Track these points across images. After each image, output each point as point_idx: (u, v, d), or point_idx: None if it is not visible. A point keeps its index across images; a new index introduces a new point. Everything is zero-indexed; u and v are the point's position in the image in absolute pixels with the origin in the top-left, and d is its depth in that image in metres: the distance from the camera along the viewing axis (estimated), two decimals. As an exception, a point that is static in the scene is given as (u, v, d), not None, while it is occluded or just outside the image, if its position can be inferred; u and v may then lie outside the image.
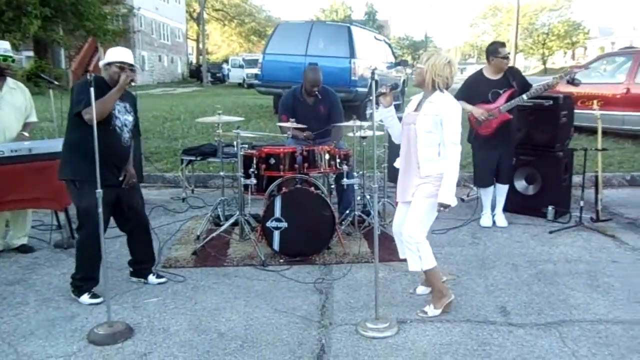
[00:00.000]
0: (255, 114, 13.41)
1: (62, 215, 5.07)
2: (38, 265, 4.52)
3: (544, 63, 59.96)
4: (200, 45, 43.50)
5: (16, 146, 4.38)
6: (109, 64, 3.70)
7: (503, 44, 5.41)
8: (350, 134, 5.27)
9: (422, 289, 3.90)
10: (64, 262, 4.53)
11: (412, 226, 3.48)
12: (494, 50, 5.29)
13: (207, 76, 36.67)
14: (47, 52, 23.01)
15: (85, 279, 3.76)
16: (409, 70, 21.37)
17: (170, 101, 18.73)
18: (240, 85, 33.82)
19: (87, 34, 22.37)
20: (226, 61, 44.13)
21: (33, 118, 4.90)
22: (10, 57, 4.58)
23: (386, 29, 66.67)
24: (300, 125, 5.22)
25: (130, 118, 3.87)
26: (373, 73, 3.28)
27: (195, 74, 42.80)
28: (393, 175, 6.39)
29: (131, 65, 3.74)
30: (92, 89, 3.18)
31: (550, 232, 5.25)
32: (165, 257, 4.62)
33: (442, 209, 3.40)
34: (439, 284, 3.59)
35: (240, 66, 36.34)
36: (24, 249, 4.80)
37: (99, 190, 3.26)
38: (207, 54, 44.90)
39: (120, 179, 3.83)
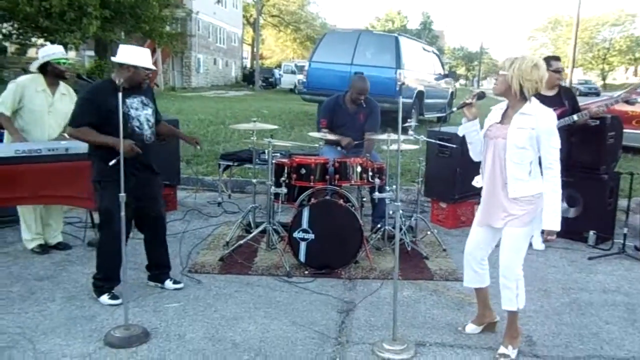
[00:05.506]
0: (300, 121, 13.44)
1: (96, 215, 5.16)
2: (69, 262, 4.62)
3: (604, 78, 58.11)
4: (255, 50, 44.04)
5: (54, 145, 4.49)
6: (135, 67, 3.69)
7: (556, 58, 5.22)
8: (385, 147, 5.18)
9: (472, 327, 3.56)
10: (94, 261, 4.58)
11: (511, 261, 3.17)
12: (546, 63, 5.12)
13: (259, 81, 37.13)
14: (107, 52, 23.71)
15: (105, 279, 3.81)
16: (457, 84, 21.08)
17: (220, 104, 19.02)
18: (291, 91, 34.04)
19: (143, 35, 22.96)
20: (279, 66, 44.56)
21: None
22: (66, 60, 4.70)
23: (441, 39, 66.04)
24: (334, 137, 5.18)
25: (149, 111, 3.89)
26: (400, 88, 3.19)
27: (247, 78, 43.41)
28: (429, 190, 6.30)
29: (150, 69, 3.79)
30: (119, 95, 3.23)
31: (590, 259, 5.02)
32: (192, 262, 4.65)
33: (549, 237, 3.10)
34: (517, 323, 3.30)
35: (292, 72, 36.62)
36: (60, 247, 4.91)
37: (122, 195, 3.29)
38: (261, 59, 45.42)
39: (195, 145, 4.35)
